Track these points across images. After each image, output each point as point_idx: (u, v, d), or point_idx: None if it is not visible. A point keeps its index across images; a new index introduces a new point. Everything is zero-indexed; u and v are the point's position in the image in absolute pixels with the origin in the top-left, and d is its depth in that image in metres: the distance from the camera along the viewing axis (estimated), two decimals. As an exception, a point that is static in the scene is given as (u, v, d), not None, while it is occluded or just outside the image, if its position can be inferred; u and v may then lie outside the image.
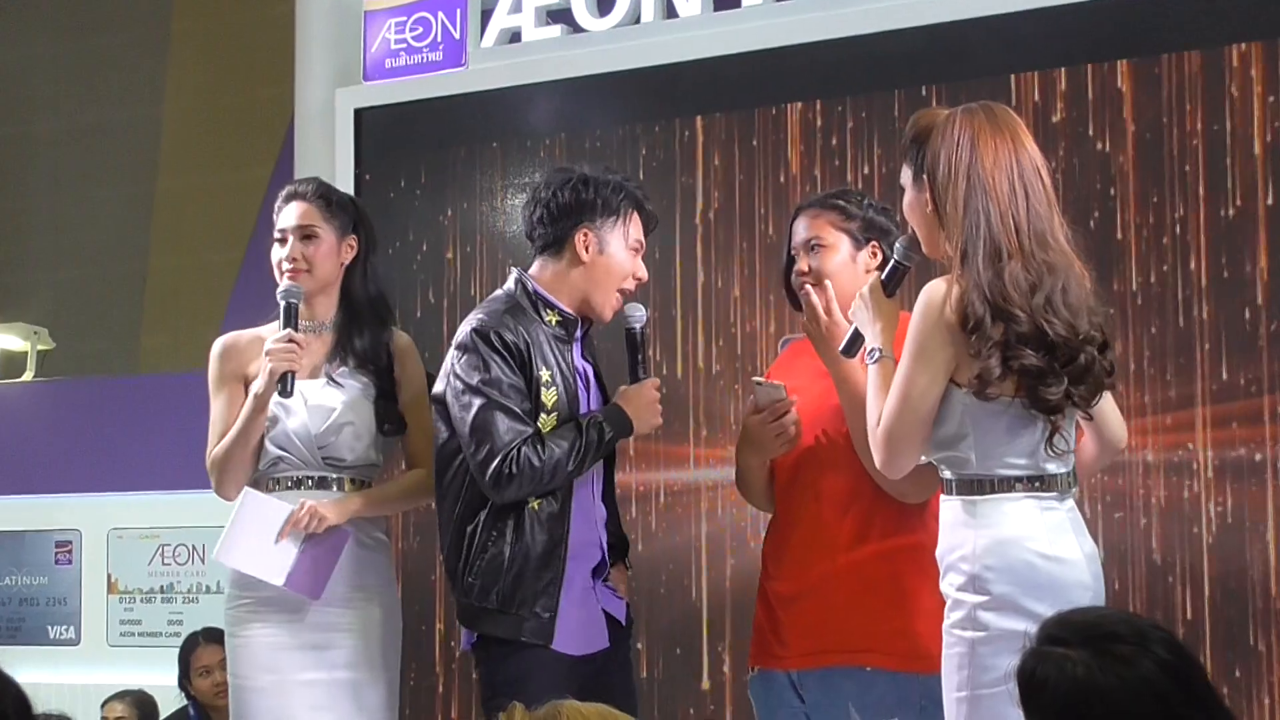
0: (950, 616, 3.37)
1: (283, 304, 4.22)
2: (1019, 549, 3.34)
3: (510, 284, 4.13)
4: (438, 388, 4.08)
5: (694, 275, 5.73)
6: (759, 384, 3.94)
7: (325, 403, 4.25)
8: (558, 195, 4.10)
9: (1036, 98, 5.23)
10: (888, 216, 4.00)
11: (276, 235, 4.32)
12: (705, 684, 5.55)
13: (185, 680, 6.38)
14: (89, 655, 7.53)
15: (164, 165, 7.75)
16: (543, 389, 3.98)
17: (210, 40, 8.10)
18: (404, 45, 6.33)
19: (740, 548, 5.58)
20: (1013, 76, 5.25)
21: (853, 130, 5.52)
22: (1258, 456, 4.86)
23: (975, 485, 3.39)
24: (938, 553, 3.46)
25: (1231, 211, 4.95)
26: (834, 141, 5.55)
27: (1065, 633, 2.44)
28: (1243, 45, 4.97)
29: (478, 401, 3.93)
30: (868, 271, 3.87)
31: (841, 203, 3.97)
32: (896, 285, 3.61)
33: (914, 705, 3.67)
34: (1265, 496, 4.81)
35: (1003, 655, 3.15)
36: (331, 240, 4.32)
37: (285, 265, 4.28)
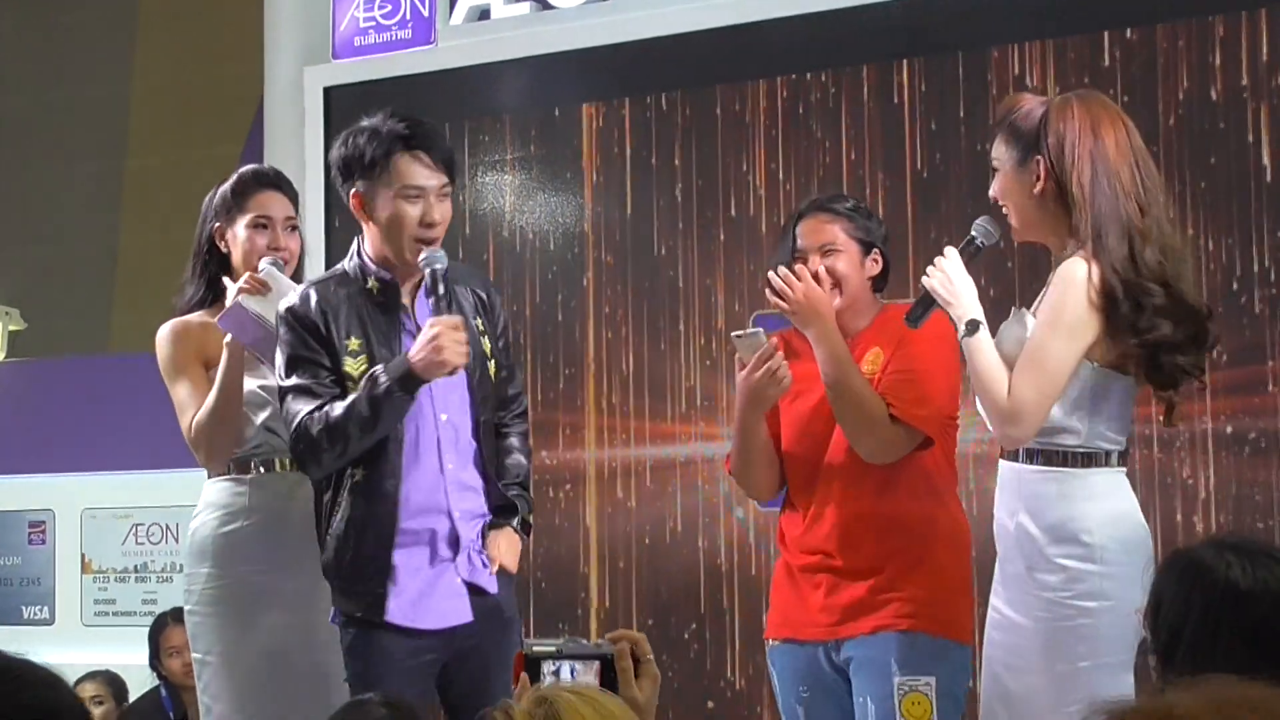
0: (1069, 589, 3.47)
1: (264, 269, 4.19)
2: (1131, 521, 3.53)
3: (350, 253, 3.99)
4: None
5: (664, 251, 5.73)
6: (738, 337, 4.04)
7: None
8: (333, 157, 3.95)
9: (1016, 70, 5.23)
10: (877, 222, 4.18)
11: (256, 220, 4.29)
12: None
13: (155, 661, 6.39)
14: (63, 635, 7.51)
15: (133, 143, 7.72)
16: (348, 358, 3.86)
17: (178, 17, 8.05)
18: (373, 23, 6.31)
19: (694, 530, 5.59)
20: (995, 50, 5.27)
21: (823, 106, 5.52)
22: (1228, 429, 4.89)
23: (1084, 459, 3.52)
24: (1037, 523, 3.52)
25: (1220, 182, 4.97)
26: (801, 114, 5.55)
27: (1220, 545, 2.66)
28: (1239, 11, 4.98)
29: (280, 387, 3.91)
30: (870, 278, 4.08)
31: (850, 210, 4.12)
32: (969, 261, 3.71)
33: (949, 667, 3.87)
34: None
35: (1121, 624, 3.38)
36: (299, 234, 4.40)
37: (271, 252, 4.26)
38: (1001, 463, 3.64)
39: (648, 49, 5.81)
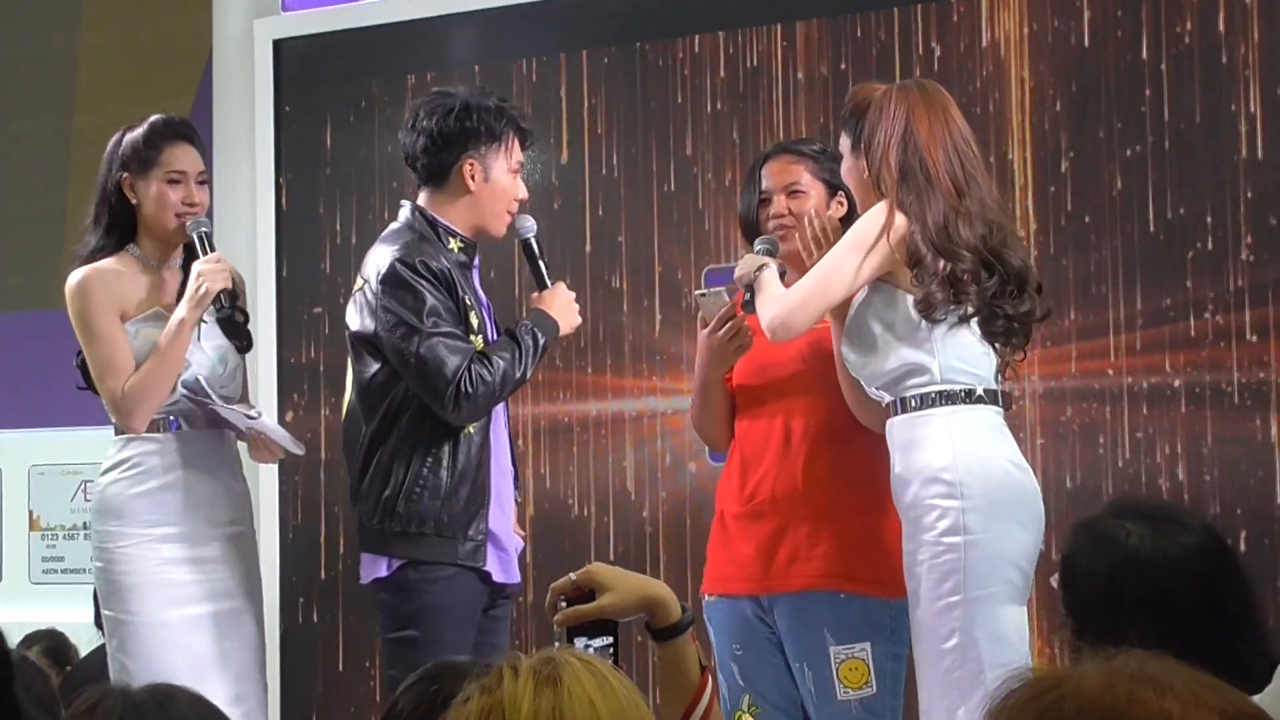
0: (936, 527, 3.60)
1: (196, 235, 4.29)
2: (996, 457, 3.64)
3: (407, 215, 4.16)
4: (364, 324, 4.08)
5: (612, 203, 5.71)
6: (702, 295, 4.08)
7: (217, 345, 4.33)
8: (441, 124, 4.11)
9: (981, 22, 5.22)
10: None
11: (170, 175, 4.30)
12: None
13: (101, 619, 6.34)
14: (10, 593, 7.46)
15: (81, 98, 7.64)
16: (469, 312, 4.05)
17: (126, -30, 7.96)
18: (323, -25, 6.26)
19: (654, 482, 5.59)
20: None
21: (779, 59, 5.50)
22: (1175, 382, 4.90)
23: (943, 398, 3.65)
24: (908, 469, 3.66)
25: (1179, 128, 4.98)
26: (750, 67, 5.53)
27: (1121, 511, 2.67)
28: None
29: (419, 332, 3.97)
30: (834, 219, 4.08)
31: (816, 153, 4.16)
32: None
33: (885, 628, 3.89)
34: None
35: (989, 559, 3.53)
36: (208, 186, 4.41)
37: (184, 207, 4.31)
38: (886, 422, 3.77)
39: (601, 2, 5.78)
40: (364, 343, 4.09)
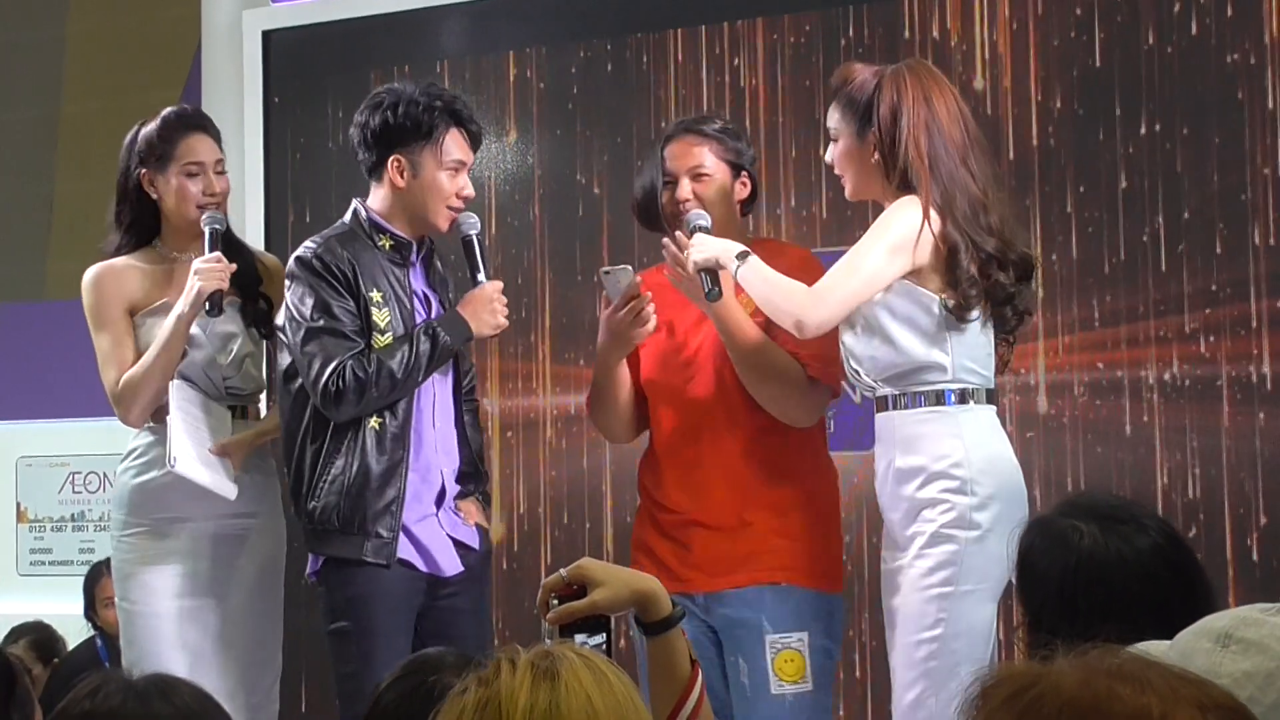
0: (941, 518, 3.60)
1: (208, 230, 4.31)
2: (1000, 456, 3.69)
3: (349, 213, 4.15)
4: (279, 318, 4.14)
5: (596, 198, 5.70)
6: (606, 273, 4.01)
7: (226, 334, 4.33)
8: (370, 121, 4.10)
9: (963, 16, 5.21)
10: (746, 144, 4.15)
11: (188, 167, 4.31)
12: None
13: (91, 611, 6.36)
14: (-2, 585, 7.47)
15: (68, 88, 7.61)
16: (374, 309, 4.01)
17: (115, -41, 7.94)
18: (311, -34, 6.25)
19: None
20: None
21: (767, 53, 5.49)
22: (1169, 378, 4.90)
23: (955, 395, 3.67)
24: (910, 463, 3.65)
25: (1173, 128, 4.97)
26: (735, 64, 5.52)
27: (1075, 510, 2.62)
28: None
29: (305, 326, 3.99)
30: (739, 200, 4.07)
31: (720, 133, 4.06)
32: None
33: (822, 620, 3.88)
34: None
35: (988, 555, 3.55)
36: (226, 174, 4.42)
37: (205, 198, 4.33)
38: (877, 416, 3.77)
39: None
40: (280, 335, 4.15)
